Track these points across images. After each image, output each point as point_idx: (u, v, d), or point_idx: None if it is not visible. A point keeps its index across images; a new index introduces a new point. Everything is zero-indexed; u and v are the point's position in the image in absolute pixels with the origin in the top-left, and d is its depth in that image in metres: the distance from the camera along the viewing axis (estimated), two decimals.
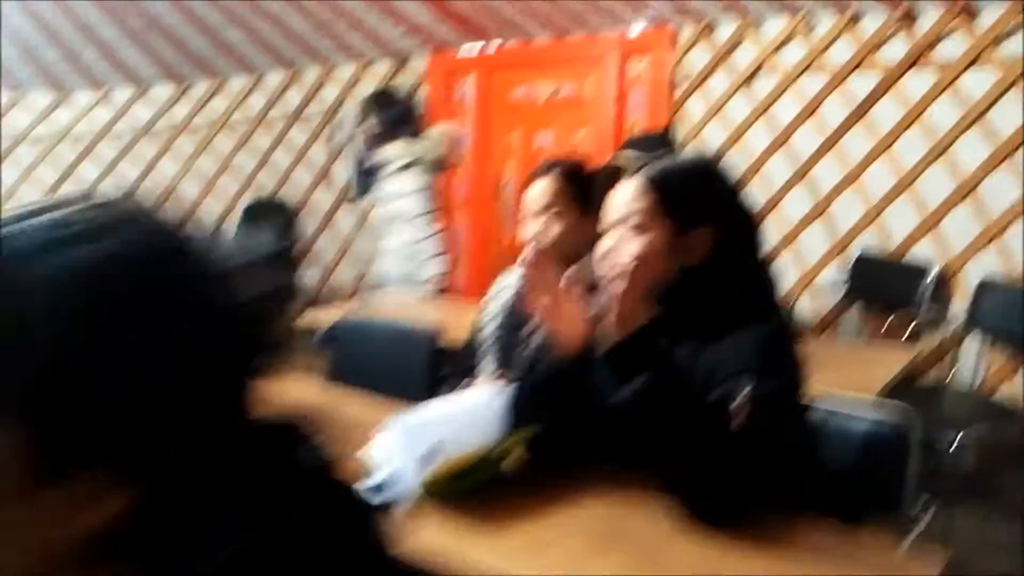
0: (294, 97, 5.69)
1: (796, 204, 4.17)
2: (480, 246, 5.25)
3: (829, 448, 1.60)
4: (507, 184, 5.03)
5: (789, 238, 4.20)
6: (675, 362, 1.38)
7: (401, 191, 3.50)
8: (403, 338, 2.47)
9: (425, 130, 3.69)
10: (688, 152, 1.53)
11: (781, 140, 4.16)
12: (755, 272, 1.45)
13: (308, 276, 5.67)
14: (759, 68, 4.18)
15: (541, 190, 1.95)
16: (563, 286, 1.40)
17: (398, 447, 1.43)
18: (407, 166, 3.51)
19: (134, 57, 5.47)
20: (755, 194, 4.21)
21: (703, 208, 1.40)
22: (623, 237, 1.43)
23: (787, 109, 4.13)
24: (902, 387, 2.58)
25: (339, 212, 5.75)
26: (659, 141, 2.92)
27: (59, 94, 5.78)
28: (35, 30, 5.12)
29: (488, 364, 2.11)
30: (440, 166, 3.65)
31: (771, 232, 4.20)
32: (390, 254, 3.64)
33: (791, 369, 1.37)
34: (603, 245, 1.47)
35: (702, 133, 4.41)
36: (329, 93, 5.59)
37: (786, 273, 4.18)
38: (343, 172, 5.66)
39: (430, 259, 3.50)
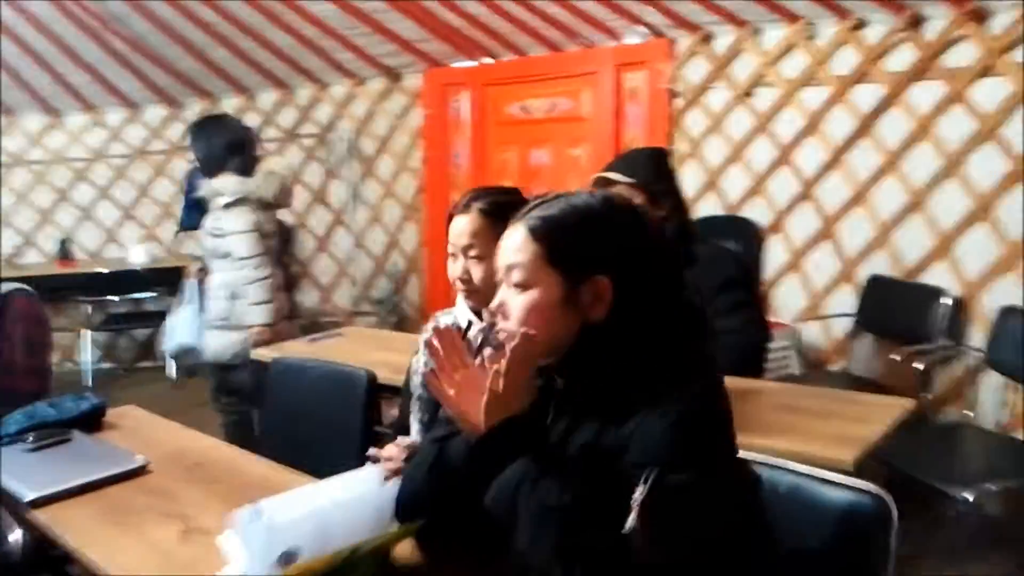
0: (286, 116, 5.55)
1: (801, 224, 3.91)
2: None
3: (797, 521, 1.37)
4: None
5: (795, 260, 3.93)
6: (567, 446, 1.17)
7: (228, 229, 3.17)
8: (338, 380, 2.28)
9: (258, 165, 3.30)
10: (581, 198, 1.27)
11: (784, 156, 3.90)
12: (669, 326, 1.22)
13: (307, 298, 5.51)
14: (759, 80, 3.93)
15: (459, 230, 1.72)
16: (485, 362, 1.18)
17: (248, 546, 1.23)
18: (235, 203, 3.19)
19: (125, 79, 5.39)
20: (758, 214, 3.97)
21: (594, 256, 1.18)
22: (509, 293, 1.21)
23: (789, 123, 3.87)
24: (914, 428, 2.30)
25: (336, 232, 5.65)
26: (648, 160, 2.61)
27: (51, 118, 5.71)
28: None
29: (414, 420, 1.89)
30: (273, 205, 3.32)
31: (776, 253, 3.96)
32: (212, 294, 3.29)
33: (707, 454, 1.13)
34: (495, 300, 1.25)
35: (701, 148, 4.16)
36: (323, 112, 5.46)
37: (793, 297, 3.93)
38: (340, 191, 5.54)
39: (253, 305, 3.17)
